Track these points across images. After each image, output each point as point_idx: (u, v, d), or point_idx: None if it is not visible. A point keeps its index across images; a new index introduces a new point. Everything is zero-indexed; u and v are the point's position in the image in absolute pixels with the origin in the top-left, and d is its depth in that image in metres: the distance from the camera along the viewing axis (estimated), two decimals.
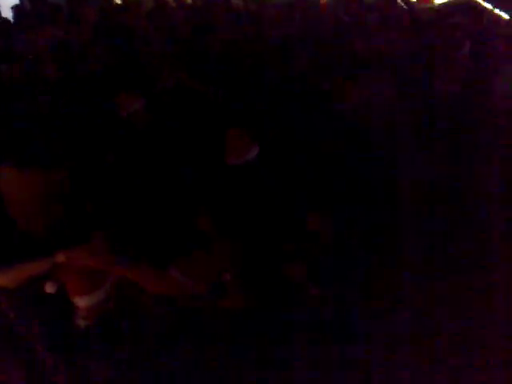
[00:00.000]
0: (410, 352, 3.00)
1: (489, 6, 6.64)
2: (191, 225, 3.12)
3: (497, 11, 6.73)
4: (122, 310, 2.36)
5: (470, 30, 5.66)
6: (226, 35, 5.76)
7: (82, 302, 2.28)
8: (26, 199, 2.88)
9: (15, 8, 7.96)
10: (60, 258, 2.27)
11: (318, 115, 3.92)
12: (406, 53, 5.15)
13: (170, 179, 3.49)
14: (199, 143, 3.68)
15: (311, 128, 3.73)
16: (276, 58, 4.94)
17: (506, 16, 6.69)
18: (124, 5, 7.89)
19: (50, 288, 2.27)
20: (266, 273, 3.01)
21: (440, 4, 7.70)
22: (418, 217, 3.58)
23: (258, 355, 2.67)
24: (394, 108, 4.21)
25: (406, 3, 6.54)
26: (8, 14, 8.75)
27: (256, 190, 3.25)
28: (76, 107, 4.22)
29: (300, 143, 3.61)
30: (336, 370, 2.81)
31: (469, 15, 6.02)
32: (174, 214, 3.30)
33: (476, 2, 6.60)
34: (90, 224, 3.02)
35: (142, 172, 3.51)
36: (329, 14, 6.86)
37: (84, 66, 5.24)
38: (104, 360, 2.29)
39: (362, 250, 3.26)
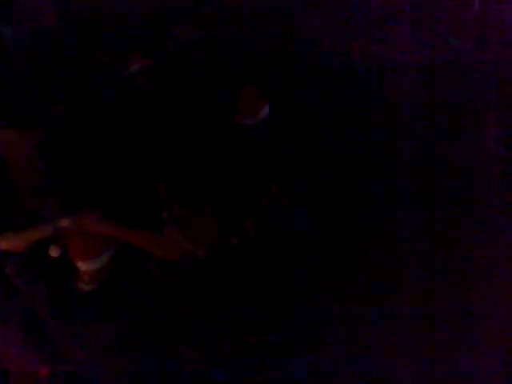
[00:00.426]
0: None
1: None
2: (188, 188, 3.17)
3: None
4: (125, 275, 2.39)
5: None
6: None
7: (85, 266, 2.30)
8: (18, 158, 3.00)
9: None
10: (65, 222, 2.31)
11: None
12: None
13: (169, 141, 3.49)
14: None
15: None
16: None
17: None
18: None
19: (53, 252, 2.34)
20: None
21: None
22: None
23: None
24: None
25: None
26: None
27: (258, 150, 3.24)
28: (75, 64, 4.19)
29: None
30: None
31: None
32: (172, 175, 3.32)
33: None
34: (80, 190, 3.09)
35: (144, 134, 3.51)
36: None
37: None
38: (104, 323, 2.32)
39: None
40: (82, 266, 2.30)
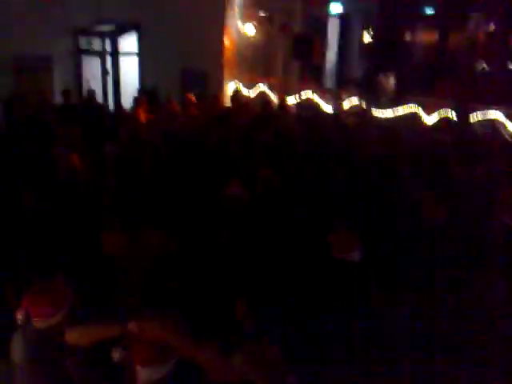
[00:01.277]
0: None
1: None
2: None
3: None
4: None
5: None
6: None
7: (143, 372, 2.29)
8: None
9: None
10: (133, 326, 2.34)
11: None
12: None
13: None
14: None
15: None
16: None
17: None
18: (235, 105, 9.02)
19: (115, 354, 2.32)
20: None
21: None
22: None
23: None
24: None
25: None
26: None
27: None
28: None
29: None
30: None
31: None
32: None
33: None
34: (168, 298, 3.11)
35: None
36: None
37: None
38: None
39: None
40: (141, 372, 2.29)
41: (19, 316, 2.67)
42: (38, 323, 2.66)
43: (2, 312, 2.91)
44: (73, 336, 2.52)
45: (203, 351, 2.31)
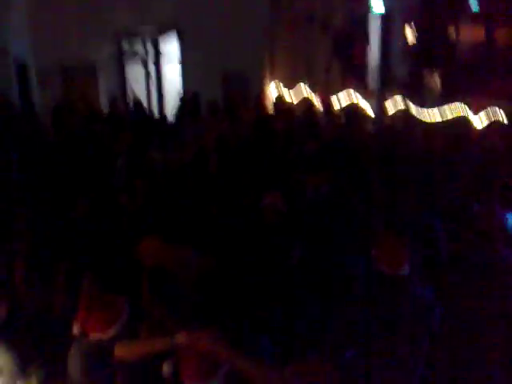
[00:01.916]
0: None
1: None
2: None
3: None
4: None
5: None
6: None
7: None
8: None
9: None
10: (181, 338, 2.35)
11: None
12: None
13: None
14: None
15: None
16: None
17: None
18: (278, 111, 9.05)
19: (166, 368, 2.35)
20: None
21: None
22: None
23: None
24: None
25: None
26: None
27: None
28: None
29: None
30: None
31: None
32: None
33: None
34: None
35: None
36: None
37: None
38: None
39: None
40: None
41: (75, 329, 2.74)
42: (93, 336, 2.73)
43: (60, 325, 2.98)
44: (122, 351, 2.53)
45: (253, 364, 2.29)
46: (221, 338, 2.34)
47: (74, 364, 2.79)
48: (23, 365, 2.87)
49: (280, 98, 10.33)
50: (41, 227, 4.38)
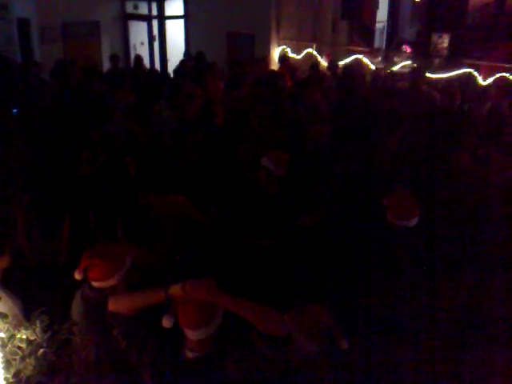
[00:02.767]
0: None
1: None
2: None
3: None
4: (228, 346, 2.34)
5: None
6: None
7: (192, 334, 2.29)
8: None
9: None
10: (175, 289, 2.32)
11: None
12: None
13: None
14: None
15: None
16: None
17: None
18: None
19: (166, 322, 2.27)
20: None
21: None
22: None
23: None
24: None
25: None
26: None
27: None
28: None
29: None
30: None
31: None
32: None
33: None
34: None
35: None
36: None
37: None
38: None
39: None
40: (190, 334, 2.29)
41: (77, 275, 2.71)
42: (95, 285, 2.71)
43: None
44: (117, 305, 2.50)
45: (249, 306, 2.30)
46: (216, 285, 2.32)
47: (77, 310, 2.78)
48: (27, 311, 2.87)
49: (284, 55, 10.16)
50: (43, 179, 4.35)
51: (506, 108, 6.37)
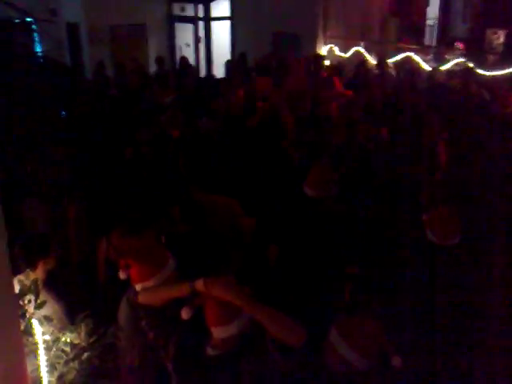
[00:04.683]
0: None
1: None
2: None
3: None
4: (245, 348, 2.32)
5: None
6: None
7: (216, 332, 2.30)
8: None
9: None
10: (199, 285, 2.32)
11: None
12: None
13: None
14: None
15: None
16: None
17: None
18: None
19: (185, 314, 2.32)
20: None
21: None
22: None
23: None
24: None
25: None
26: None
27: None
28: None
29: None
30: None
31: None
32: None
33: None
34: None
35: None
36: None
37: None
38: None
39: None
40: (214, 331, 2.30)
41: (121, 274, 2.68)
42: (137, 287, 2.66)
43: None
44: (145, 296, 2.54)
45: (265, 311, 2.25)
46: (235, 285, 2.30)
47: (123, 315, 2.74)
48: (72, 314, 2.85)
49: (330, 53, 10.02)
50: (93, 179, 4.39)
51: None
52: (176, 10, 12.84)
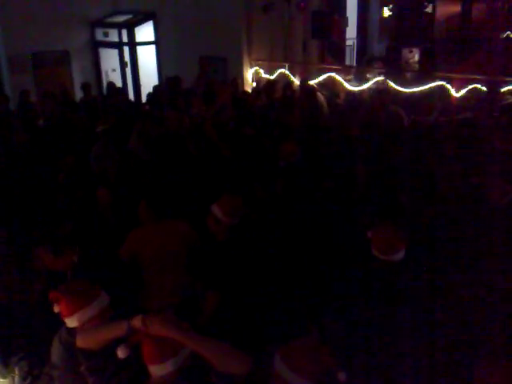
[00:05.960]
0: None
1: None
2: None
3: None
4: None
5: None
6: None
7: (153, 370, 2.24)
8: None
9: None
10: (137, 322, 2.28)
11: None
12: None
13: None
14: None
15: None
16: None
17: None
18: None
19: (121, 353, 2.24)
20: None
21: None
22: None
23: None
24: None
25: None
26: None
27: None
28: None
29: None
30: None
31: None
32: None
33: None
34: None
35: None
36: None
37: None
38: None
39: None
40: (151, 369, 2.24)
41: (55, 308, 2.61)
42: (68, 322, 2.61)
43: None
44: (82, 340, 2.46)
45: (205, 342, 2.25)
46: (174, 320, 2.28)
47: (56, 355, 2.68)
48: (5, 358, 2.75)
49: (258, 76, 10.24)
50: None
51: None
52: (99, 35, 12.71)
